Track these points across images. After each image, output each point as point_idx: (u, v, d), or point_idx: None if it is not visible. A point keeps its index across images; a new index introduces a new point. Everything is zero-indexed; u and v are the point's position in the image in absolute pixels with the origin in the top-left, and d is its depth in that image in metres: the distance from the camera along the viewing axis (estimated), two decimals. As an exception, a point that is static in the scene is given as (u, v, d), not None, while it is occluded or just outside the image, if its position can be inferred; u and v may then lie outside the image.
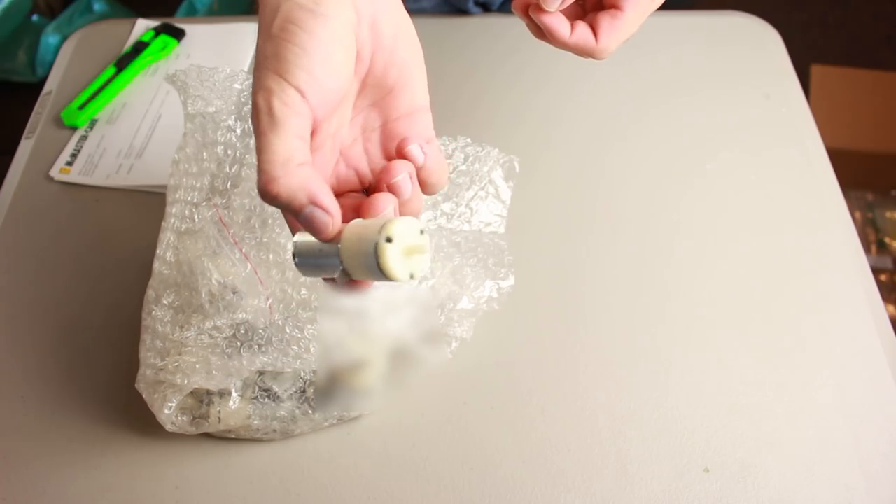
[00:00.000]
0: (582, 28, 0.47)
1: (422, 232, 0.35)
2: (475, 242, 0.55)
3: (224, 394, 0.50)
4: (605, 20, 0.47)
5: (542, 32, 0.47)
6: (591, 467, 0.52)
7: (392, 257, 0.34)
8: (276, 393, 0.51)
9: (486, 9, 0.82)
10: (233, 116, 0.54)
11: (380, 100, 0.41)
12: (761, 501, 0.50)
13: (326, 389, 0.51)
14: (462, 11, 0.81)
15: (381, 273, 0.34)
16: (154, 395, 0.49)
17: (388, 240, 0.34)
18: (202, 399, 0.50)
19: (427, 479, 0.51)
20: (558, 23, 0.46)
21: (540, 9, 0.46)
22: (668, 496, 0.50)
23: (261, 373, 0.51)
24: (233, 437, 0.52)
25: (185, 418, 0.50)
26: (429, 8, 0.82)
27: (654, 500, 0.50)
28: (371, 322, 0.49)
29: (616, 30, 0.47)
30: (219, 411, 0.50)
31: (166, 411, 0.49)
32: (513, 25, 0.79)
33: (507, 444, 0.53)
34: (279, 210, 0.51)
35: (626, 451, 0.52)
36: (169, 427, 0.49)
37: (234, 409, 0.50)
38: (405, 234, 0.34)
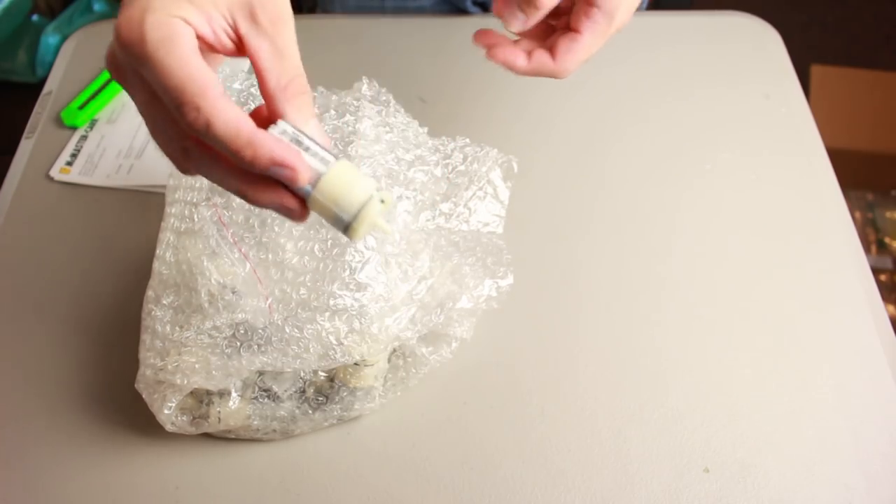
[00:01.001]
0: (539, 54, 0.50)
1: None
2: (474, 242, 0.55)
3: (224, 394, 0.50)
4: (563, 43, 0.50)
5: None
6: (591, 467, 0.52)
7: (376, 211, 0.38)
8: (275, 393, 0.51)
9: (484, 9, 0.82)
10: None
11: None
12: (761, 501, 0.50)
13: (326, 389, 0.51)
14: (461, 10, 0.81)
15: (352, 210, 0.38)
16: (154, 395, 0.49)
17: (382, 201, 0.38)
18: (202, 399, 0.50)
19: (427, 479, 0.51)
20: (513, 57, 0.50)
21: (492, 52, 0.50)
22: (668, 496, 0.50)
23: (261, 373, 0.51)
24: (233, 437, 0.52)
25: (185, 418, 0.50)
26: (428, 6, 0.82)
27: (654, 500, 0.50)
28: (371, 322, 0.49)
29: (573, 52, 0.50)
30: (219, 411, 0.50)
31: (166, 411, 0.49)
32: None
33: (507, 444, 0.53)
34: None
35: (626, 451, 0.52)
36: (169, 427, 0.49)
37: (233, 409, 0.50)
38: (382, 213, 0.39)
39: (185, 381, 0.48)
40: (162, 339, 0.50)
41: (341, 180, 0.37)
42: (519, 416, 0.54)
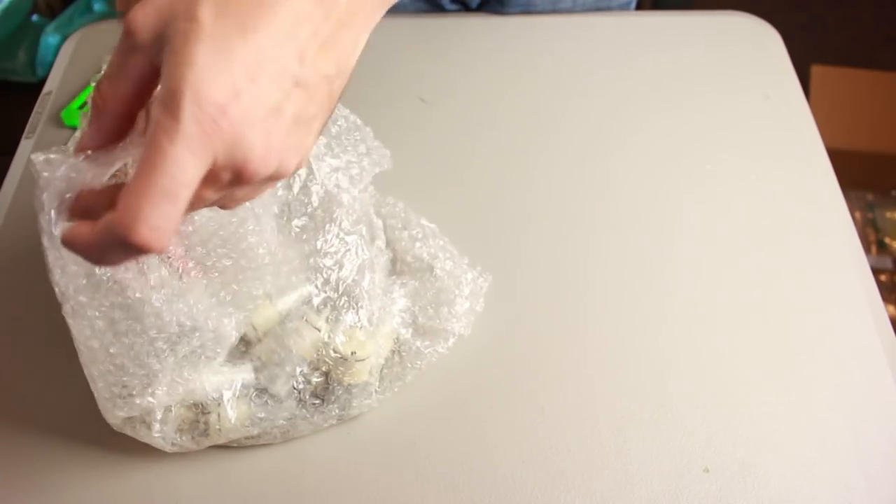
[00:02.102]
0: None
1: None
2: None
3: (220, 404, 0.49)
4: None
5: None
6: (591, 467, 0.52)
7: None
8: (274, 397, 0.50)
9: (466, 8, 0.82)
10: None
11: None
12: (761, 501, 0.50)
13: (322, 391, 0.51)
14: (439, 7, 0.81)
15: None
16: (136, 425, 0.49)
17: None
18: (198, 418, 0.49)
19: (427, 479, 0.51)
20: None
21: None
22: (668, 496, 0.50)
23: (257, 377, 0.50)
24: (235, 445, 0.52)
25: (184, 438, 0.49)
26: (408, 5, 0.81)
27: (654, 500, 0.50)
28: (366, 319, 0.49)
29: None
30: (219, 429, 0.49)
31: (156, 435, 0.48)
32: (503, 25, 0.79)
33: (507, 444, 0.53)
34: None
35: (626, 451, 0.52)
36: (170, 449, 0.49)
37: (232, 425, 0.49)
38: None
39: (161, 402, 0.47)
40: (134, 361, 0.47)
41: None
42: (519, 416, 0.54)
